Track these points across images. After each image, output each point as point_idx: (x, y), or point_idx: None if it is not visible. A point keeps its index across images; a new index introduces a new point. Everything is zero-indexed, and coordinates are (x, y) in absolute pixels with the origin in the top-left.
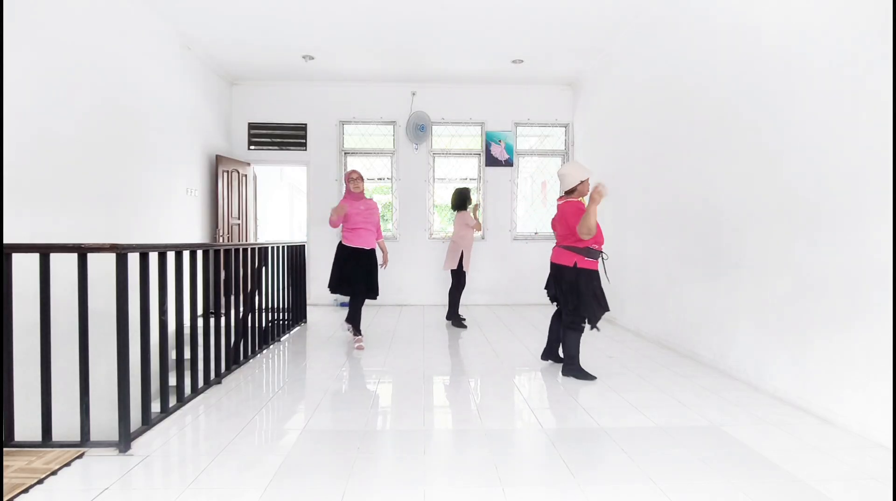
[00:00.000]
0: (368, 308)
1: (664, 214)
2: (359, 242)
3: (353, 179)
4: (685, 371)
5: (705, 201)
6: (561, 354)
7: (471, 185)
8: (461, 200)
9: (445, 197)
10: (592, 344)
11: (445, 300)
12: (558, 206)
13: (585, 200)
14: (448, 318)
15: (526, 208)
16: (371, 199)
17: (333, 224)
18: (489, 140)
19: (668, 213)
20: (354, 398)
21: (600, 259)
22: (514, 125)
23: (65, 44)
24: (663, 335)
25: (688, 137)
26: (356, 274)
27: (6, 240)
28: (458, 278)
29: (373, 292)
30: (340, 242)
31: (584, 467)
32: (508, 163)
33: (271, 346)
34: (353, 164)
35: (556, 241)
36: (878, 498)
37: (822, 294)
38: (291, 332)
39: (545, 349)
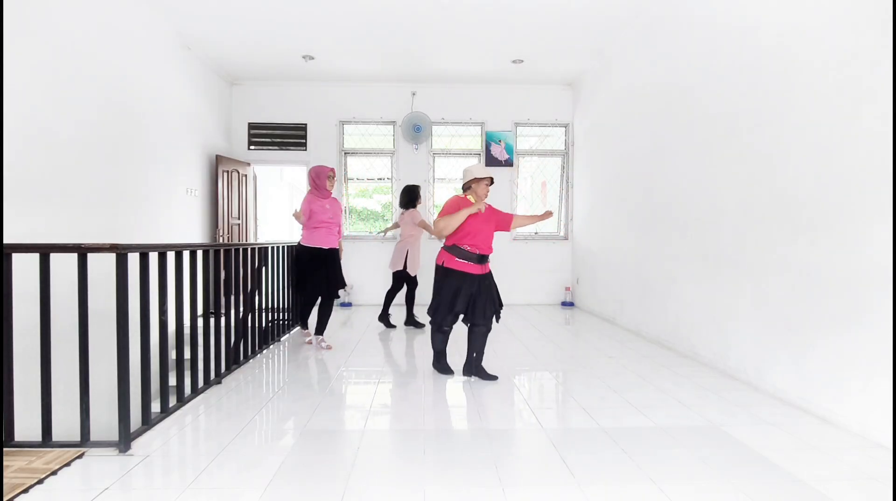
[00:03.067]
0: (369, 308)
1: (664, 213)
2: (320, 241)
3: (332, 177)
4: (685, 371)
5: (705, 200)
6: (473, 364)
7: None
8: (411, 197)
9: (446, 197)
10: (593, 344)
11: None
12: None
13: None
14: (381, 319)
15: (526, 208)
16: (335, 198)
17: (300, 219)
18: (489, 140)
19: (668, 213)
20: (354, 398)
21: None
22: (514, 125)
23: (65, 44)
24: (663, 335)
25: (688, 137)
26: (318, 275)
27: (6, 240)
28: (401, 280)
29: (337, 289)
30: (299, 242)
31: (584, 467)
32: (508, 163)
33: (271, 346)
34: (353, 164)
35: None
36: (878, 498)
37: (823, 294)
38: (291, 332)
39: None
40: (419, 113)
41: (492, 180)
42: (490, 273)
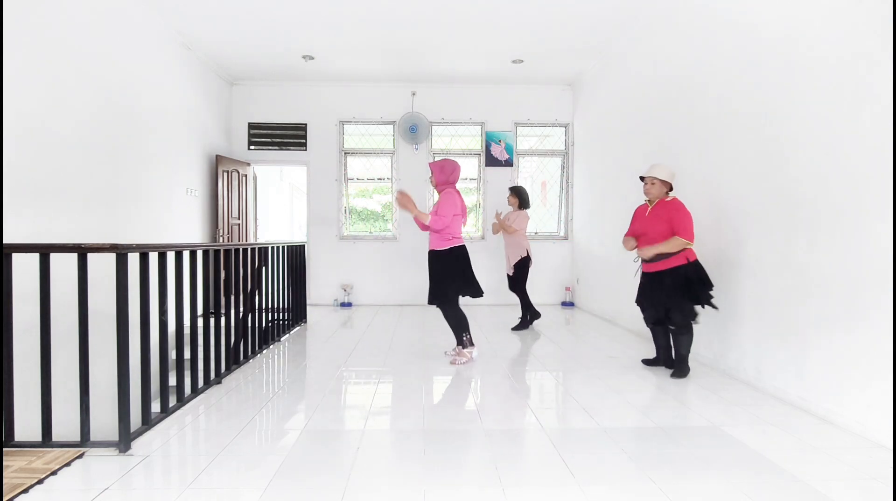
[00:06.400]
0: (369, 308)
1: None
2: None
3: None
4: None
5: (705, 200)
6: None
7: (471, 185)
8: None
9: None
10: (593, 344)
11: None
12: (662, 203)
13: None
14: (531, 320)
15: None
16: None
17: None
18: (489, 140)
19: None
20: (354, 398)
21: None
22: (514, 125)
23: (65, 44)
24: None
25: (688, 137)
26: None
27: (6, 240)
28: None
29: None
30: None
31: (584, 467)
32: (508, 163)
33: (271, 346)
34: (353, 164)
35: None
36: (878, 498)
37: (822, 294)
38: (291, 332)
39: (659, 358)
40: (415, 113)
41: (643, 179)
42: (661, 272)
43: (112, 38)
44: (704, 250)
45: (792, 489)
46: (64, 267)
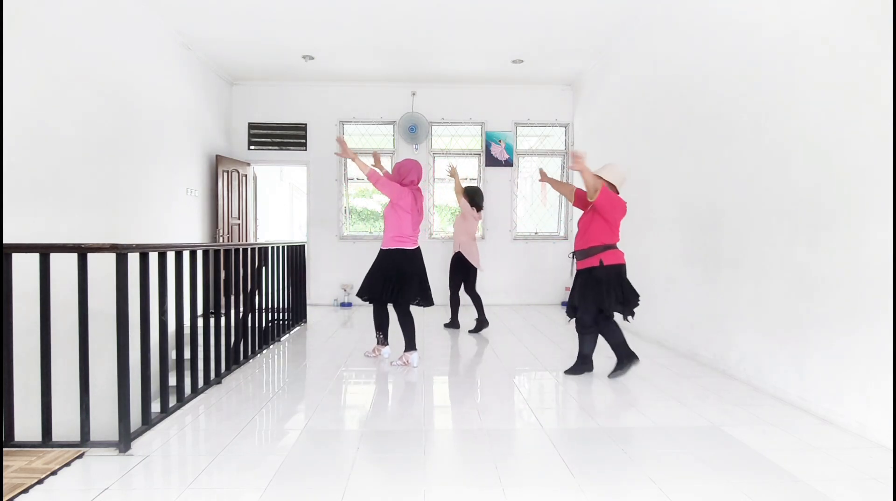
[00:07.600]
0: (369, 308)
1: (664, 213)
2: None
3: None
4: (685, 371)
5: (705, 200)
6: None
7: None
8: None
9: (445, 197)
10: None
11: (446, 300)
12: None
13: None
14: (450, 325)
15: (526, 208)
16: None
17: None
18: (489, 140)
19: (669, 213)
20: (354, 398)
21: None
22: (514, 125)
23: (65, 43)
24: (663, 335)
25: (688, 137)
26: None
27: (6, 240)
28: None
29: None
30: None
31: (584, 467)
32: (508, 163)
33: (271, 346)
34: (353, 164)
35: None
36: (878, 498)
37: (823, 294)
38: (291, 332)
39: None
40: (415, 113)
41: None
42: (584, 271)
43: (112, 37)
44: (704, 250)
45: (792, 489)
46: (64, 267)
